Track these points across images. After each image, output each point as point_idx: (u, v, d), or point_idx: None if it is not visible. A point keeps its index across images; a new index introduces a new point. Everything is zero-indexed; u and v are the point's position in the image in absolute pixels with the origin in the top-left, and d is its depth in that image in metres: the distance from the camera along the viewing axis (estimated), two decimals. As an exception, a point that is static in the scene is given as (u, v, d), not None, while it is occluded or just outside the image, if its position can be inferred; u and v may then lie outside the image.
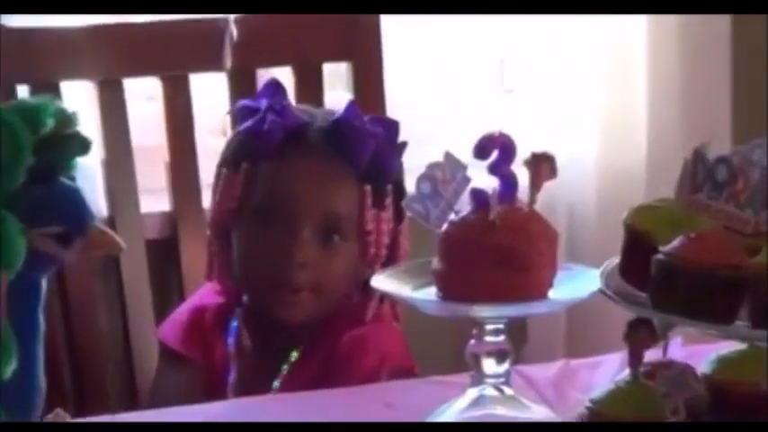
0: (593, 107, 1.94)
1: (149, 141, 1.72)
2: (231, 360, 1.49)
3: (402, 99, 1.90)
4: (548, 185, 1.14)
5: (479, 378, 1.17)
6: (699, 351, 1.17)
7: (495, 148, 1.13)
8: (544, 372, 1.31)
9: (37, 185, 1.09)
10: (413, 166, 1.28)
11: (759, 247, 1.04)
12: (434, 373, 1.33)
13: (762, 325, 1.01)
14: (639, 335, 1.04)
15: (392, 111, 1.72)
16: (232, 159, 1.48)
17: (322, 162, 1.46)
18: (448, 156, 1.14)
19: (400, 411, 1.22)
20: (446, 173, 1.14)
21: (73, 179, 1.13)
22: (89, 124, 1.52)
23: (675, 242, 1.05)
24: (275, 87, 1.50)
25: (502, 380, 1.17)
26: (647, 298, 1.06)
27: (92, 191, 1.46)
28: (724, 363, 1.09)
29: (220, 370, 1.49)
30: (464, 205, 1.14)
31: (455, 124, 1.95)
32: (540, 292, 1.13)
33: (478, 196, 1.12)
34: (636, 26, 1.93)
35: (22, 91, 1.62)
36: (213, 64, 1.69)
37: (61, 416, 1.15)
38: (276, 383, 1.46)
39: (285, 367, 1.47)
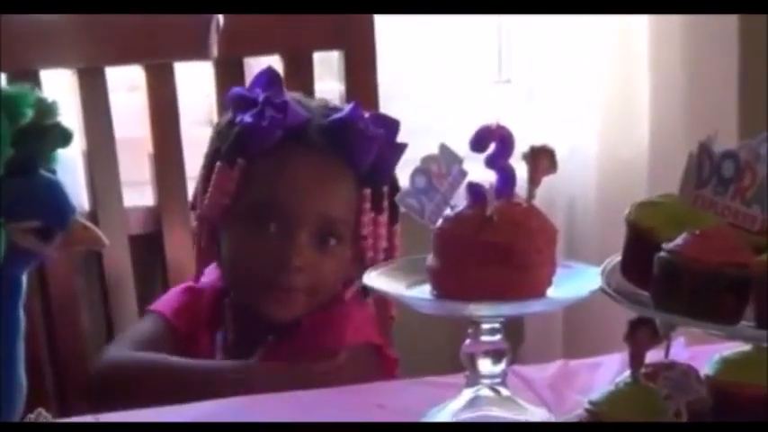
0: (594, 98, 1.93)
1: (132, 133, 1.71)
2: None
3: (395, 89, 1.89)
4: (547, 179, 1.12)
5: (475, 378, 1.16)
6: (702, 352, 1.16)
7: (493, 140, 1.12)
8: (542, 372, 1.31)
9: (16, 178, 1.09)
10: (407, 158, 1.26)
11: (766, 245, 1.03)
12: (428, 373, 1.32)
13: (767, 325, 1.00)
14: (641, 335, 1.03)
15: (385, 101, 1.72)
16: (228, 154, 1.46)
17: (321, 163, 1.45)
18: (443, 148, 1.13)
19: (392, 413, 1.20)
20: (441, 166, 1.12)
21: (53, 172, 1.13)
22: (70, 114, 1.50)
23: (679, 239, 1.04)
24: (270, 76, 1.49)
25: (498, 380, 1.16)
26: (649, 297, 1.06)
27: (73, 184, 1.43)
28: (728, 364, 1.08)
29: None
30: (460, 200, 1.12)
31: (451, 115, 1.94)
32: (538, 291, 1.12)
33: (475, 191, 1.11)
34: (638, 17, 1.91)
35: (0, 79, 1.60)
36: (199, 52, 1.67)
37: (43, 416, 1.14)
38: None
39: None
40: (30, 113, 1.08)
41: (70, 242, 1.12)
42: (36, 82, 1.59)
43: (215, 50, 1.67)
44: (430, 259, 1.13)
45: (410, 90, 1.99)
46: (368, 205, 1.46)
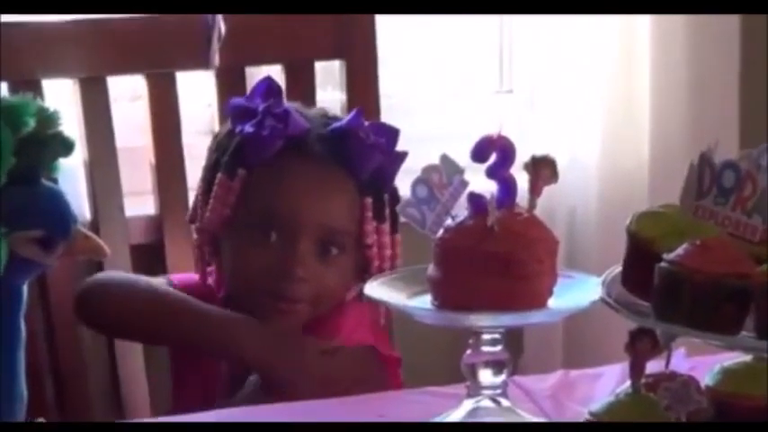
0: (595, 108, 1.93)
1: (134, 142, 1.70)
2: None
3: (397, 99, 1.90)
4: (547, 189, 1.12)
5: (475, 389, 1.15)
6: (702, 363, 1.16)
7: (494, 150, 1.11)
8: (542, 383, 1.30)
9: (18, 187, 1.10)
10: (408, 168, 1.26)
11: (766, 256, 1.03)
12: (429, 383, 1.32)
13: (768, 336, 1.00)
14: (641, 345, 1.03)
15: (387, 111, 1.71)
16: (228, 164, 1.46)
17: (322, 172, 1.45)
18: (444, 158, 1.13)
19: (393, 423, 1.20)
20: (442, 176, 1.12)
21: (55, 181, 1.12)
22: (71, 124, 1.50)
23: (680, 250, 1.03)
24: (269, 86, 1.48)
25: (498, 391, 1.16)
26: (649, 307, 1.05)
27: (74, 193, 1.43)
28: (728, 375, 1.08)
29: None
30: (461, 210, 1.12)
31: (452, 125, 1.93)
32: (539, 301, 1.12)
33: (476, 201, 1.11)
34: (640, 26, 1.91)
35: (2, 88, 1.59)
36: (200, 62, 1.67)
37: (43, 426, 1.14)
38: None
39: None
40: (32, 123, 1.08)
41: (72, 252, 1.12)
42: (38, 91, 1.58)
43: (217, 60, 1.67)
44: (431, 269, 1.12)
45: (412, 100, 2.00)
46: (369, 214, 1.45)
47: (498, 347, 1.14)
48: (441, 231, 1.11)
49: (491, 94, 2.05)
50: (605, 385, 1.26)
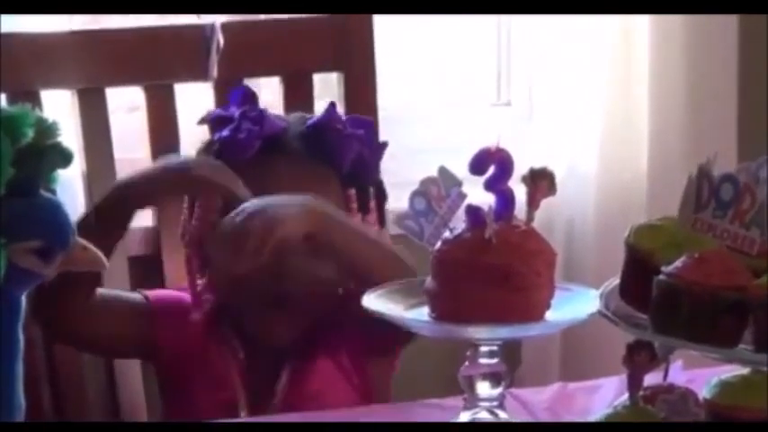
0: (593, 120, 1.93)
1: (132, 153, 1.70)
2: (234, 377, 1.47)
3: (395, 111, 1.90)
4: (545, 201, 1.13)
5: (473, 401, 1.15)
6: (700, 375, 1.16)
7: (492, 163, 1.12)
8: (540, 395, 1.30)
9: (16, 198, 1.09)
10: (406, 180, 1.26)
11: (764, 268, 1.03)
12: (426, 395, 1.32)
13: (766, 349, 1.00)
14: (639, 358, 1.03)
15: (385, 123, 1.71)
16: None
17: (302, 168, 1.45)
18: (442, 171, 1.13)
19: (391, 435, 1.20)
20: (441, 188, 1.13)
21: (53, 192, 1.12)
22: (70, 135, 1.49)
23: (678, 263, 1.03)
24: (244, 93, 1.49)
25: (496, 403, 1.16)
26: (647, 320, 1.05)
27: (73, 205, 1.43)
28: (726, 387, 1.07)
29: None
30: (459, 222, 1.12)
31: (450, 137, 1.94)
32: (537, 313, 1.12)
33: (474, 213, 1.11)
34: (637, 37, 1.91)
35: (1, 99, 1.59)
36: (199, 73, 1.67)
37: (40, 436, 1.13)
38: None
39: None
40: (30, 133, 1.08)
41: (70, 263, 1.11)
42: (36, 102, 1.58)
43: (215, 72, 1.67)
44: (428, 281, 1.13)
45: (410, 112, 2.00)
46: (354, 206, 1.45)
47: (496, 359, 1.14)
48: (439, 244, 1.12)
49: (489, 106, 2.05)
50: (603, 398, 1.26)
